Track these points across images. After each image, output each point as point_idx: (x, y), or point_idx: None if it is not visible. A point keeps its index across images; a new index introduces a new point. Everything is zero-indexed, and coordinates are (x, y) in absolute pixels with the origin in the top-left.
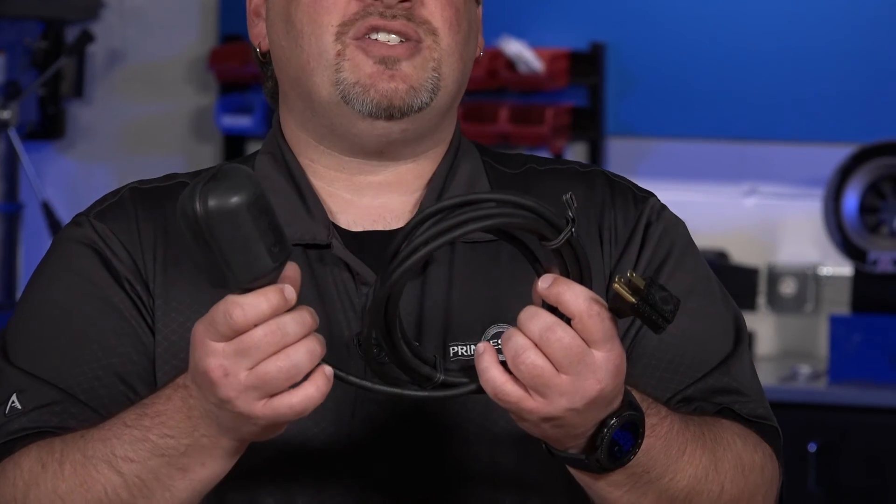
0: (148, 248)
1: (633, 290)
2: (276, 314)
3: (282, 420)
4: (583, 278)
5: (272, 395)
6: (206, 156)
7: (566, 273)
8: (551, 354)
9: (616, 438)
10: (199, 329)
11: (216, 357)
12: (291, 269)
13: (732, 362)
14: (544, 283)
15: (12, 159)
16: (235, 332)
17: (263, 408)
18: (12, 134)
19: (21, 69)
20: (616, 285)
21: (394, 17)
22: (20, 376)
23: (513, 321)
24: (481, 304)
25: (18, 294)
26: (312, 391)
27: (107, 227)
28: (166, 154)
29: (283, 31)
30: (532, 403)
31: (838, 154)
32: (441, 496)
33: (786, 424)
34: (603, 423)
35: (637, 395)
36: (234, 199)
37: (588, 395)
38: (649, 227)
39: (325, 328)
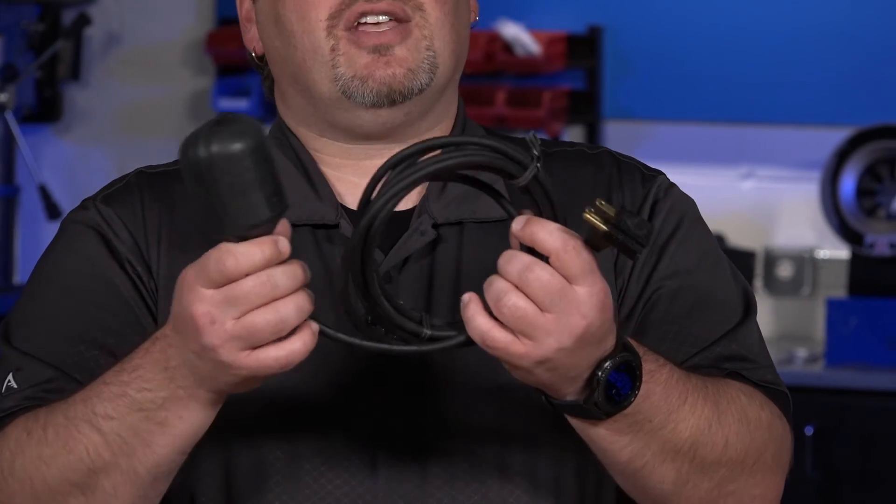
0: (152, 231)
1: (605, 218)
2: (268, 265)
3: (264, 372)
4: (555, 216)
5: (256, 347)
6: None
7: (538, 213)
8: (532, 294)
9: (613, 381)
10: (189, 274)
11: (204, 303)
12: (282, 226)
13: (741, 331)
14: (518, 224)
15: (9, 142)
16: (226, 280)
17: (247, 358)
18: (9, 117)
19: (18, 52)
20: (587, 215)
21: None
22: (18, 357)
23: None
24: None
25: (16, 277)
26: (298, 346)
27: (112, 210)
28: (163, 137)
29: (274, 33)
30: (521, 347)
31: (835, 137)
32: (448, 447)
33: None
34: (598, 366)
35: (632, 342)
36: (237, 145)
37: (575, 331)
38: (657, 204)
39: (334, 308)
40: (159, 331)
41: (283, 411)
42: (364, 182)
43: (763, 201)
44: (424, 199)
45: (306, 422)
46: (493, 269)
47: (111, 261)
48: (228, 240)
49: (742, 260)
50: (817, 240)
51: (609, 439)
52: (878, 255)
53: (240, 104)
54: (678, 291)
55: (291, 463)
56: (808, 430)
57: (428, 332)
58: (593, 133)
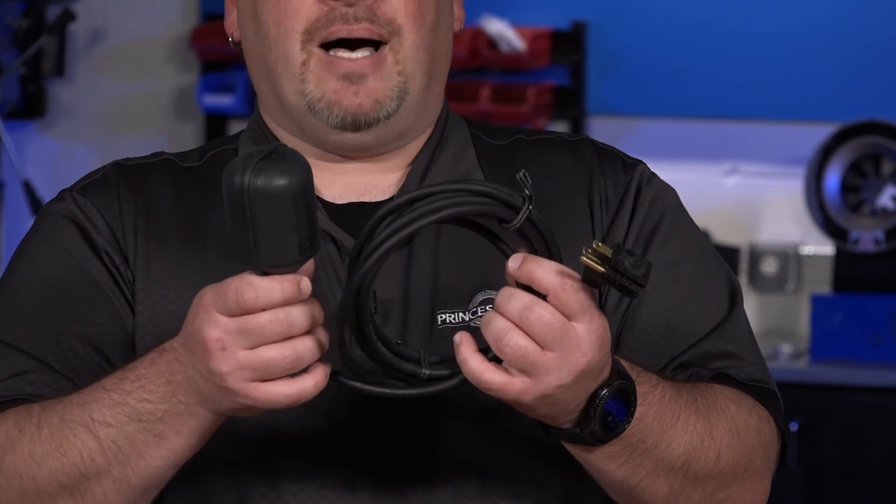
0: (129, 222)
1: (602, 259)
2: (286, 304)
3: (271, 406)
4: (551, 254)
5: (266, 380)
6: (188, 135)
7: (533, 251)
8: (533, 333)
9: (608, 409)
10: (208, 296)
11: (217, 328)
12: (307, 265)
13: (728, 325)
14: (514, 262)
15: None
16: (242, 311)
17: (255, 389)
18: None
19: (2, 48)
20: (584, 258)
21: (356, 19)
22: None
23: (500, 288)
24: (468, 271)
25: (1, 270)
26: (310, 385)
27: (88, 200)
28: (148, 133)
29: (252, 28)
30: (518, 385)
31: (820, 133)
32: (428, 482)
33: None
34: (594, 395)
35: (626, 365)
36: (283, 183)
37: (576, 368)
38: (640, 194)
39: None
40: (167, 342)
41: (264, 433)
42: (341, 179)
43: (747, 197)
44: (402, 189)
45: (286, 446)
46: (469, 259)
47: (88, 251)
48: (252, 271)
49: (726, 256)
50: (802, 236)
51: (603, 462)
52: (863, 251)
53: (224, 100)
54: (666, 286)
55: (272, 487)
56: (793, 426)
57: (427, 372)
58: (578, 129)
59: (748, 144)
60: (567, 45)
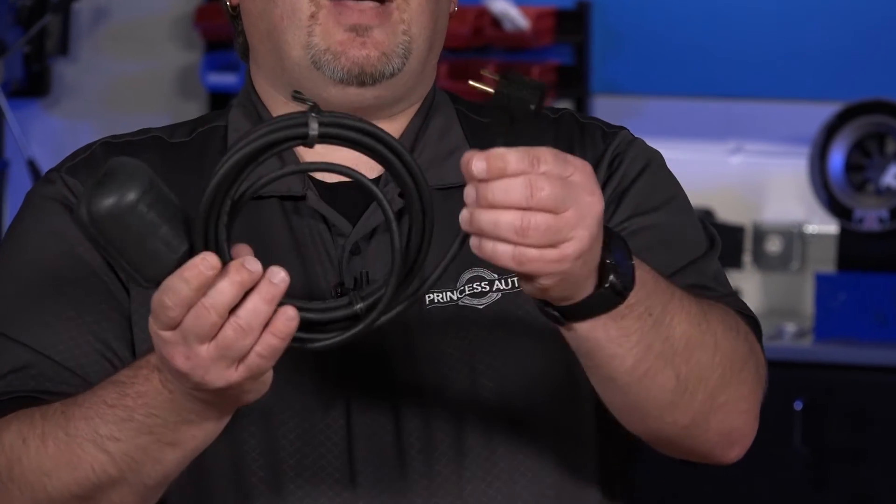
0: None
1: (490, 83)
2: (201, 287)
3: (261, 372)
4: (389, 145)
5: (242, 359)
6: (192, 113)
7: (382, 159)
8: (545, 205)
9: (618, 259)
10: (151, 324)
11: (173, 347)
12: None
13: (701, 262)
14: (479, 165)
15: None
16: (176, 317)
17: (237, 372)
18: None
19: (6, 27)
20: (471, 82)
21: None
22: None
23: (486, 266)
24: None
25: None
26: (270, 339)
27: (77, 181)
28: (151, 112)
29: None
30: (554, 252)
31: (824, 112)
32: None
33: (772, 383)
34: (604, 248)
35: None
36: (111, 201)
37: (594, 210)
38: (617, 158)
39: (302, 279)
40: (154, 358)
41: (259, 407)
42: (332, 155)
43: (752, 176)
44: None
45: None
46: (456, 239)
47: (81, 235)
48: (152, 286)
49: (731, 235)
50: (806, 215)
51: (618, 340)
52: (867, 230)
53: (228, 79)
54: (640, 230)
55: (273, 478)
56: (797, 405)
57: (361, 306)
58: (581, 108)
59: (752, 123)
60: (571, 24)
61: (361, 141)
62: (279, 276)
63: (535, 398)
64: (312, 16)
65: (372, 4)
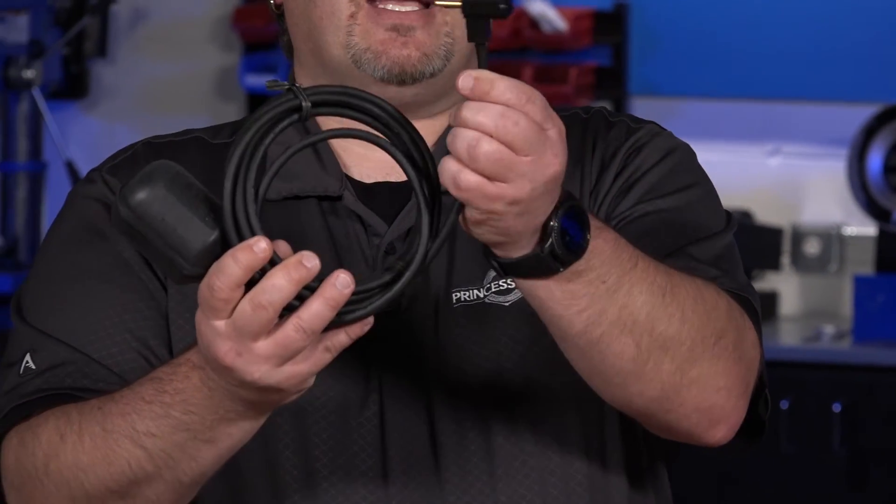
0: None
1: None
2: (251, 268)
3: (317, 370)
4: (379, 106)
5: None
6: (230, 115)
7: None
8: (509, 140)
9: (566, 227)
10: (197, 314)
11: (223, 339)
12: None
13: (705, 243)
14: (465, 82)
15: (36, 118)
16: (227, 302)
17: (291, 368)
18: (36, 93)
19: (44, 28)
20: (437, 3)
21: None
22: (33, 335)
23: None
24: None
25: None
26: (342, 336)
27: (118, 181)
28: (190, 113)
29: None
30: (494, 188)
31: (862, 113)
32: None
33: (810, 385)
34: (554, 212)
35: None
36: (145, 194)
37: (549, 171)
38: (639, 147)
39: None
40: (193, 356)
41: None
42: (370, 155)
43: (790, 178)
44: None
45: (318, 428)
46: None
47: (120, 235)
48: (195, 277)
49: (769, 237)
50: (844, 216)
51: (564, 302)
52: None
53: (266, 80)
54: (644, 215)
55: (306, 476)
56: (836, 408)
57: (400, 263)
58: (619, 109)
59: (791, 125)
60: (609, 25)
61: (348, 102)
62: (343, 282)
63: (560, 394)
64: (352, 16)
65: (414, 6)
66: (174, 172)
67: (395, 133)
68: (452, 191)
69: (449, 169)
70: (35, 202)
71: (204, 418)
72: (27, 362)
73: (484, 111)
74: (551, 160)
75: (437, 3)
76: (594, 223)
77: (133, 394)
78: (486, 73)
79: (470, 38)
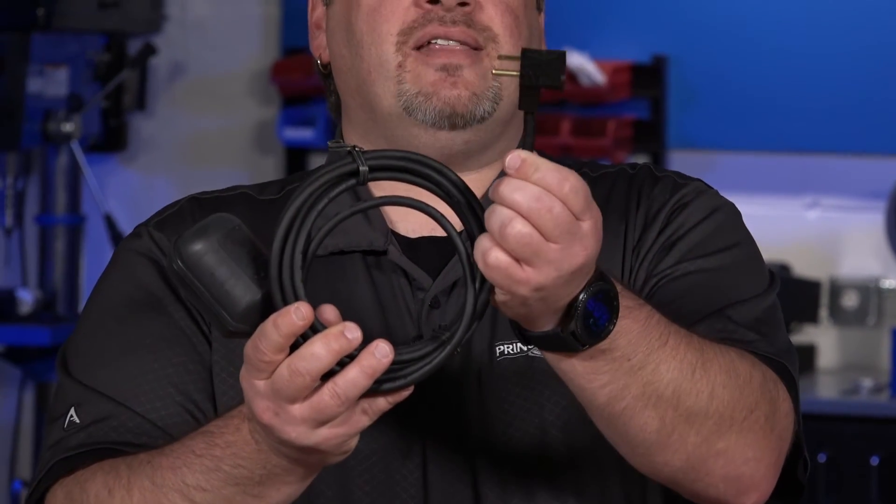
0: None
1: (511, 66)
2: (292, 334)
3: (358, 431)
4: (442, 174)
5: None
6: (269, 169)
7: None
8: (542, 225)
9: (590, 309)
10: (241, 371)
11: (263, 398)
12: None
13: (744, 306)
14: (513, 163)
15: (75, 172)
16: (269, 363)
17: (328, 430)
18: (75, 146)
19: (84, 82)
20: (494, 70)
21: (454, 22)
22: (77, 389)
23: None
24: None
25: (81, 306)
26: (381, 402)
27: (165, 236)
28: (228, 167)
29: (343, 41)
30: (521, 272)
31: None
32: (485, 484)
33: (848, 438)
34: (584, 290)
35: (612, 277)
36: (200, 245)
37: (575, 261)
38: (683, 206)
39: (383, 333)
40: (246, 409)
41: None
42: (416, 211)
43: (828, 231)
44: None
45: (361, 480)
46: None
47: (165, 288)
48: (241, 333)
49: (807, 290)
50: (883, 269)
51: (586, 377)
52: None
53: (305, 134)
54: (684, 275)
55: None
56: (874, 461)
57: (447, 334)
58: (658, 163)
59: (829, 178)
60: (647, 78)
61: (408, 167)
62: (383, 351)
63: (600, 450)
64: (400, 65)
65: (461, 45)
66: (231, 227)
67: (455, 201)
68: (481, 266)
69: (481, 244)
70: (73, 255)
71: (253, 472)
72: (71, 416)
73: (521, 191)
74: (579, 251)
75: (496, 71)
76: (625, 302)
77: (183, 447)
78: (533, 157)
79: (521, 106)
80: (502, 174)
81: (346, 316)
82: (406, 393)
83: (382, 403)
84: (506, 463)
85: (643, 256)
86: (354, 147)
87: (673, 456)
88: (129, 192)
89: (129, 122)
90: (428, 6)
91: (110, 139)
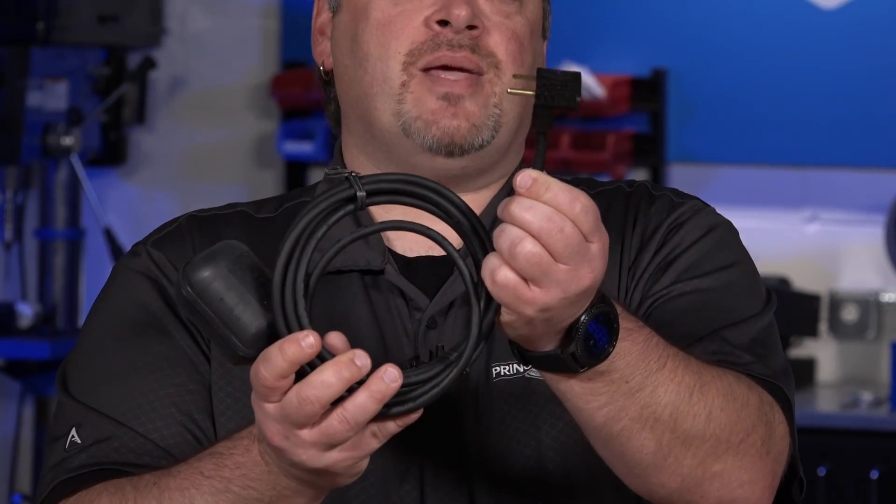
0: None
1: (526, 86)
2: (297, 361)
3: (368, 453)
4: (438, 193)
5: (336, 445)
6: (268, 182)
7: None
8: (551, 246)
9: (591, 331)
10: (252, 396)
11: (273, 421)
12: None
13: (740, 327)
14: (523, 182)
15: (74, 185)
16: (274, 389)
17: (339, 453)
18: (74, 160)
19: (83, 96)
20: (510, 90)
21: (460, 46)
22: (78, 409)
23: None
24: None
25: (81, 320)
26: (391, 425)
27: (163, 254)
28: (228, 180)
29: (348, 51)
30: (529, 292)
31: None
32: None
33: (848, 451)
34: (585, 313)
35: (612, 299)
36: (208, 272)
37: (582, 283)
38: (679, 225)
39: (380, 353)
40: (256, 429)
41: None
42: (406, 235)
43: (827, 244)
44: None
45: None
46: None
47: (164, 307)
48: (249, 359)
49: (807, 303)
50: (882, 283)
51: (584, 398)
52: None
53: (304, 147)
54: (680, 295)
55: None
56: (874, 475)
57: (454, 355)
58: (657, 176)
59: (828, 191)
60: (647, 92)
61: (406, 190)
62: (391, 376)
63: (597, 471)
64: (404, 84)
65: (464, 74)
66: (239, 254)
67: (456, 221)
68: (489, 285)
69: (489, 263)
70: (73, 269)
71: (263, 494)
72: (73, 437)
73: (532, 210)
74: (586, 273)
75: (511, 90)
76: (625, 325)
77: (191, 468)
78: (544, 176)
79: (534, 126)
80: (509, 193)
81: (343, 335)
82: (416, 416)
83: (392, 426)
84: (502, 484)
85: (639, 277)
86: (351, 173)
87: (669, 478)
88: (129, 205)
89: (129, 135)
90: (438, 28)
91: (110, 153)
